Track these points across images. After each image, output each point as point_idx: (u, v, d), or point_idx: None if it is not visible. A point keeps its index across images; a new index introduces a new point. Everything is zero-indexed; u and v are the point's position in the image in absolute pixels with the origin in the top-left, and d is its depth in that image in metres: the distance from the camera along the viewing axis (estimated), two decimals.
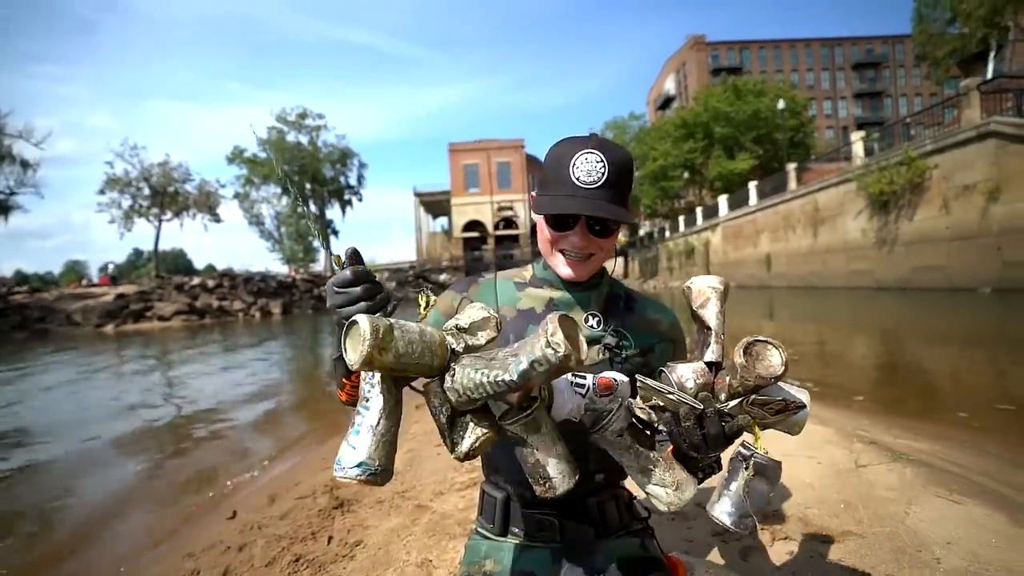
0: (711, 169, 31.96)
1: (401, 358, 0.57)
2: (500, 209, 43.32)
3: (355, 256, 0.66)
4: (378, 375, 0.62)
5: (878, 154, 15.28)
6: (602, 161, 0.78)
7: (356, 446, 0.60)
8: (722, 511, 0.68)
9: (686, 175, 33.61)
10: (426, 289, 0.76)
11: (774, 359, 0.64)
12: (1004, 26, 20.30)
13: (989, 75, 17.97)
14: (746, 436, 0.68)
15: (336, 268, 0.67)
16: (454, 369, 0.62)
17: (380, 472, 0.60)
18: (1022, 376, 4.27)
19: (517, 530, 0.90)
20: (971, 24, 21.11)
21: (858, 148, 16.77)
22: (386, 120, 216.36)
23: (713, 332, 0.72)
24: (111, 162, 32.89)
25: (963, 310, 9.18)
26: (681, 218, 31.18)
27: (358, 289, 0.64)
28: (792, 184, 20.05)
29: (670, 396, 0.67)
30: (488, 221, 43.67)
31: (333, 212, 42.29)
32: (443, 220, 52.62)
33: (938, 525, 1.64)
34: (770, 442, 0.64)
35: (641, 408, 0.70)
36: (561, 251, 0.84)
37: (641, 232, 40.53)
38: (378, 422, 0.61)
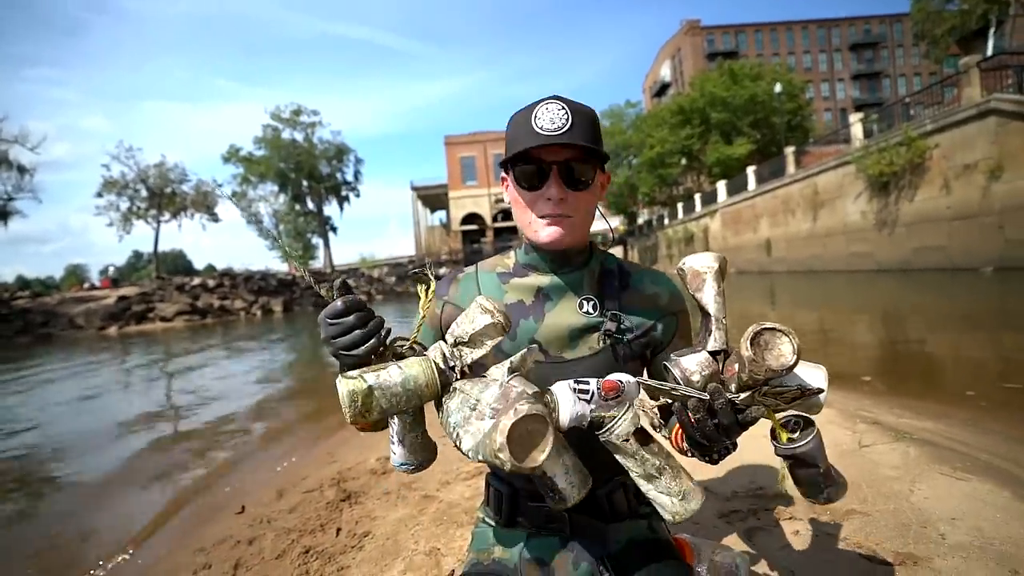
0: (709, 155, 31.76)
1: (387, 411, 0.61)
2: (498, 201, 43.12)
3: (344, 287, 0.65)
4: None
5: (877, 135, 15.16)
6: (564, 108, 0.74)
7: (395, 452, 0.72)
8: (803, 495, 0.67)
9: (684, 162, 33.42)
10: (429, 274, 0.74)
11: (785, 348, 0.59)
12: (1004, 1, 20.07)
13: (989, 52, 17.77)
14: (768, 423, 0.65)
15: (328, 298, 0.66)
16: (444, 405, 0.64)
17: (420, 464, 0.73)
18: None
19: (524, 521, 0.88)
20: (970, 0, 20.88)
21: (857, 130, 16.64)
22: (382, 115, 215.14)
23: (713, 318, 0.68)
24: (107, 165, 33.00)
25: (966, 290, 9.17)
26: (680, 205, 31.05)
27: (351, 318, 0.63)
28: (791, 168, 19.94)
29: (675, 393, 0.64)
30: (486, 213, 43.58)
31: (331, 209, 42.28)
32: (441, 214, 52.51)
33: (942, 502, 1.65)
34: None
35: (648, 411, 0.67)
36: (540, 216, 0.78)
37: (640, 220, 40.43)
38: (404, 436, 0.70)
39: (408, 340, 0.70)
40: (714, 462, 0.73)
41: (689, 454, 0.74)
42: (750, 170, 23.01)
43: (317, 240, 42.48)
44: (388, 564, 1.65)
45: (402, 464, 0.72)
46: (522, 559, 0.86)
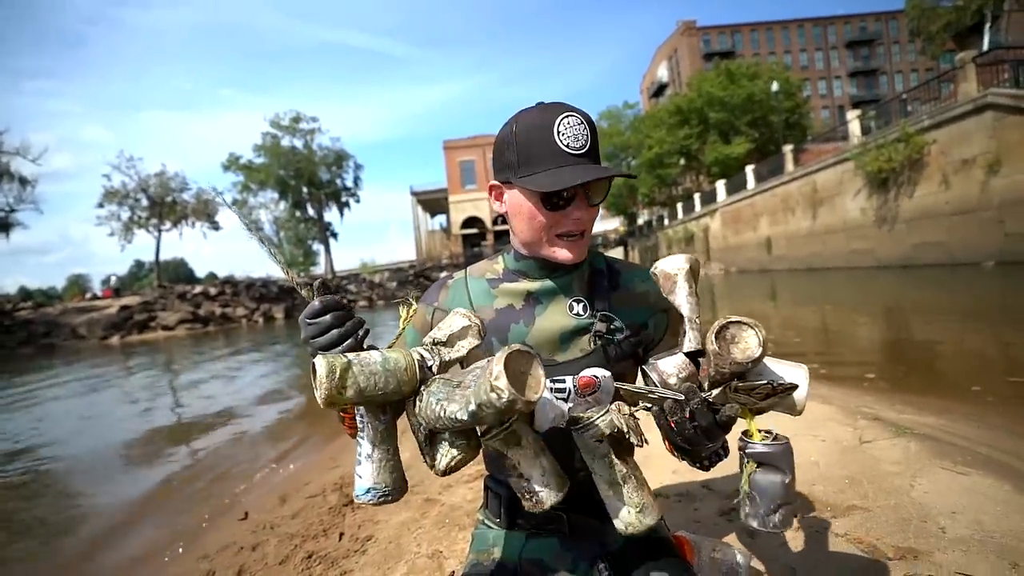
0: (707, 155, 31.81)
1: (364, 392, 0.59)
2: None
3: (323, 287, 0.67)
4: (363, 407, 0.63)
5: (875, 132, 15.19)
6: (583, 122, 0.72)
7: (361, 475, 0.64)
8: (744, 515, 0.64)
9: (682, 162, 33.48)
10: (409, 297, 0.73)
11: (751, 340, 0.59)
12: None
13: (985, 47, 17.76)
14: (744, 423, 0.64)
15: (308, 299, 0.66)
16: (422, 394, 0.62)
17: (389, 492, 0.64)
18: None
19: (523, 522, 0.89)
20: None
21: (854, 127, 16.67)
22: (381, 121, 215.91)
23: (687, 319, 0.67)
24: (108, 175, 32.97)
25: (967, 285, 9.15)
26: (679, 205, 31.09)
27: (328, 318, 0.64)
28: (789, 166, 19.96)
29: (651, 396, 0.64)
30: (486, 217, 43.60)
31: (331, 215, 42.30)
32: (441, 218, 52.57)
33: (943, 496, 1.65)
34: (775, 422, 0.62)
35: (624, 415, 0.65)
36: (559, 234, 0.76)
37: (640, 220, 40.44)
38: (372, 451, 0.64)
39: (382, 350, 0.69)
40: (706, 468, 0.73)
41: (680, 458, 0.74)
42: (749, 169, 23.04)
43: (318, 246, 42.57)
44: (391, 568, 1.66)
45: (368, 491, 0.63)
46: (522, 559, 0.86)
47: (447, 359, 0.65)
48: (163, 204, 34.02)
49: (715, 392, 0.61)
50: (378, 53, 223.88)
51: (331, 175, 40.77)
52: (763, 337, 0.59)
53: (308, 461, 3.21)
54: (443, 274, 1.04)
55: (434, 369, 0.65)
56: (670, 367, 0.66)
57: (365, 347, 0.67)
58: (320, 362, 0.57)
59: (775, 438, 0.63)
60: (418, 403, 0.63)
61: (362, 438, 0.65)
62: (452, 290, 0.87)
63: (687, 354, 0.66)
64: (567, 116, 0.71)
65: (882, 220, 14.40)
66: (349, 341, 0.64)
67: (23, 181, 28.34)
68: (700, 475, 1.92)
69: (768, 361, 0.65)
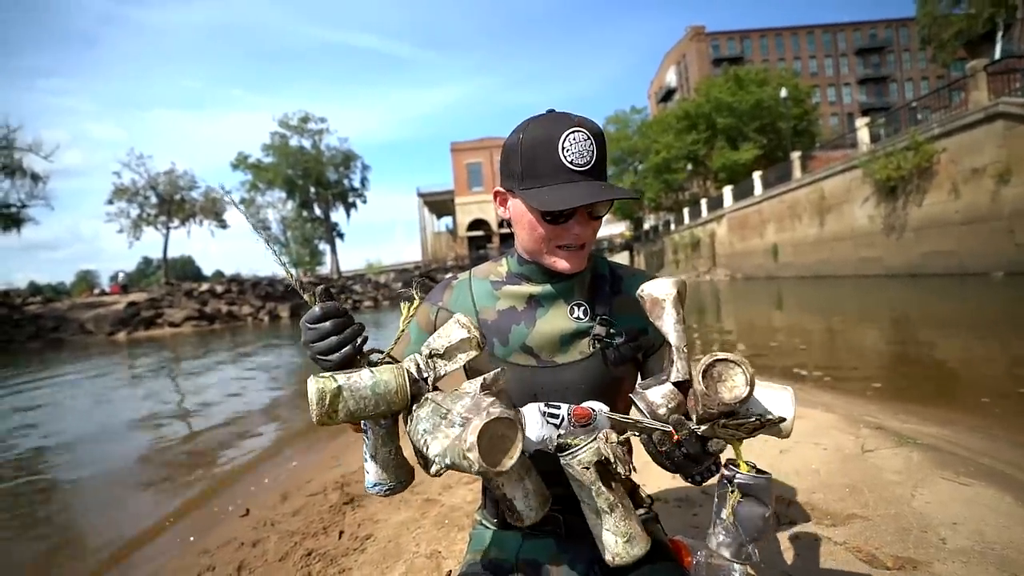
0: (715, 160, 31.73)
1: (354, 414, 0.61)
2: None
3: (325, 293, 0.68)
4: None
5: (884, 140, 15.12)
6: (589, 138, 0.72)
7: (369, 471, 0.70)
8: (718, 543, 0.63)
9: (690, 167, 33.41)
10: (416, 290, 0.74)
11: (738, 379, 0.59)
12: (1012, 4, 19.94)
13: (997, 55, 17.66)
14: (732, 449, 0.64)
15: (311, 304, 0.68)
16: (413, 414, 0.63)
17: (395, 486, 0.70)
18: None
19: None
20: (977, 4, 20.77)
21: (863, 134, 16.59)
22: (388, 122, 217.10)
23: (674, 348, 0.66)
24: (118, 172, 33.45)
25: (976, 295, 9.07)
26: (686, 210, 31.01)
27: (327, 324, 0.66)
28: (797, 173, 19.88)
29: (639, 426, 0.64)
30: (492, 219, 43.72)
31: (338, 215, 42.56)
32: (447, 220, 52.76)
33: (944, 506, 1.64)
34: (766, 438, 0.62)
35: (612, 444, 0.64)
36: (559, 246, 0.78)
37: (646, 225, 40.37)
38: (376, 451, 0.69)
39: (384, 352, 0.70)
40: (697, 483, 0.74)
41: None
42: (756, 175, 22.98)
43: (324, 246, 42.84)
44: (389, 566, 1.67)
45: (375, 485, 0.69)
46: (518, 560, 0.87)
47: (442, 373, 0.66)
48: (172, 202, 34.36)
49: (703, 428, 0.61)
50: (385, 55, 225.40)
51: (339, 175, 41.05)
52: (750, 375, 0.59)
53: (310, 459, 3.23)
54: (448, 275, 1.05)
55: (429, 382, 0.66)
56: (659, 397, 0.65)
57: (365, 351, 0.68)
58: (312, 387, 0.59)
59: (759, 471, 0.64)
60: (409, 422, 0.64)
61: (367, 438, 0.68)
62: (456, 290, 0.89)
63: (674, 383, 0.66)
64: (574, 132, 0.71)
65: (890, 228, 14.31)
66: (347, 348, 0.66)
67: (35, 177, 28.75)
68: None
69: None
